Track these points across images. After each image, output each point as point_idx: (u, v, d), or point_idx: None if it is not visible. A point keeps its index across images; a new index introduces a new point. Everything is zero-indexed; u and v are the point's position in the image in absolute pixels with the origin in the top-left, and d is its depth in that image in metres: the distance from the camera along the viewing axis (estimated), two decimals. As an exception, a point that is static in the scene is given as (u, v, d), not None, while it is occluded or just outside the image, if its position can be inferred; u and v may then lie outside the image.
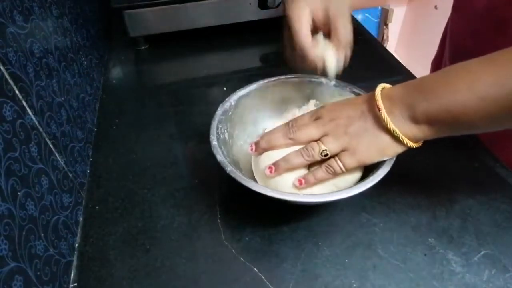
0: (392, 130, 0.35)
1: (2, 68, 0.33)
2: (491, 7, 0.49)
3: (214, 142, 0.42)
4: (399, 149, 0.37)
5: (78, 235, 0.43)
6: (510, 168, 0.49)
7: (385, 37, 1.95)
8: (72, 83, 0.51)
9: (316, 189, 0.42)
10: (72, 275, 0.39)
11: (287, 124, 0.41)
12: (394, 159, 0.39)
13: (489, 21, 0.50)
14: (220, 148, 0.41)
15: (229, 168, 0.39)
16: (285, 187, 0.42)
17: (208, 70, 0.71)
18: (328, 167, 0.38)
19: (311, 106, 0.51)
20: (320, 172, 0.39)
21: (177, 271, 0.39)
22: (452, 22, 0.61)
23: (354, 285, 0.38)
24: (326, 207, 0.45)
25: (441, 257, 0.40)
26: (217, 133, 0.43)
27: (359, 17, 1.85)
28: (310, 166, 0.44)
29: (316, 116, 0.40)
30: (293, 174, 0.42)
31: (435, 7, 1.69)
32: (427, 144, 0.53)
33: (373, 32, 1.45)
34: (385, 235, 0.42)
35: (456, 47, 0.60)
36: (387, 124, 0.34)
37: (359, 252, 0.40)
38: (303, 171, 0.43)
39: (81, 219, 0.44)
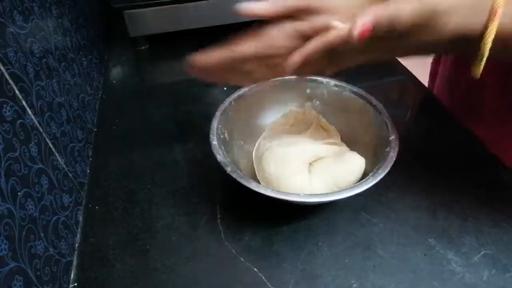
0: None
1: (2, 68, 0.33)
2: None
3: (214, 142, 0.42)
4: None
5: (78, 235, 0.43)
6: (510, 168, 0.49)
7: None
8: (72, 83, 0.51)
9: (316, 189, 0.42)
10: (72, 275, 0.39)
11: None
12: (394, 159, 0.40)
13: None
14: (220, 148, 0.41)
15: (229, 168, 0.39)
16: (286, 187, 0.42)
17: (208, 70, 0.71)
18: None
19: (310, 106, 0.51)
20: None
21: (177, 271, 0.39)
22: None
23: (354, 285, 0.38)
24: (326, 207, 0.45)
25: (441, 257, 0.40)
26: (217, 133, 0.43)
27: (359, 17, 1.85)
28: (311, 167, 0.44)
29: None
30: (295, 174, 0.43)
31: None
32: (427, 145, 0.53)
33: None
34: (385, 235, 0.42)
35: None
36: None
37: (359, 252, 0.40)
38: (305, 173, 0.43)
39: (81, 219, 0.44)
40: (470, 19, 0.30)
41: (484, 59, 0.31)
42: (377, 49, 0.33)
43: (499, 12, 0.29)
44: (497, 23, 0.29)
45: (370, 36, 0.29)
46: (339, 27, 0.32)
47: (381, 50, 0.33)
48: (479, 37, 0.30)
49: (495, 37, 0.30)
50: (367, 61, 0.35)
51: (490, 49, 0.30)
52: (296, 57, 0.33)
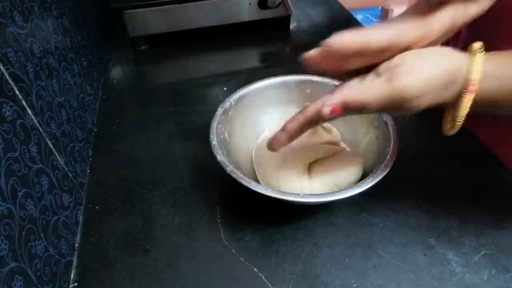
0: None
1: (2, 68, 0.33)
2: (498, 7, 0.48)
3: (214, 142, 0.42)
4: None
5: (78, 235, 0.43)
6: (510, 168, 0.49)
7: (385, 37, 1.94)
8: (72, 83, 0.51)
9: (316, 189, 0.42)
10: (72, 275, 0.39)
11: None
12: (394, 159, 0.40)
13: (494, 22, 0.49)
14: (220, 148, 0.41)
15: (229, 168, 0.39)
16: (286, 187, 0.42)
17: (208, 70, 0.71)
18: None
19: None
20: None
21: (177, 271, 0.39)
22: None
23: (354, 285, 0.38)
24: (326, 207, 0.45)
25: (441, 257, 0.40)
26: (217, 133, 0.43)
27: (359, 17, 1.85)
28: (311, 167, 0.44)
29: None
30: (295, 174, 0.42)
31: (435, 7, 1.69)
32: (427, 145, 0.53)
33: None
34: (385, 235, 0.42)
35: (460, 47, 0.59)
36: None
37: (359, 252, 0.40)
38: (305, 173, 0.43)
39: (81, 219, 0.44)
40: (443, 96, 0.30)
41: (459, 123, 0.31)
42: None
43: (473, 87, 0.29)
44: (470, 97, 0.29)
45: (340, 114, 0.31)
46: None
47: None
48: (452, 105, 0.30)
49: (474, 102, 0.29)
50: None
51: (469, 110, 0.30)
52: (282, 136, 0.36)
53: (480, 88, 0.29)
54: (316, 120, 0.34)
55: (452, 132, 0.32)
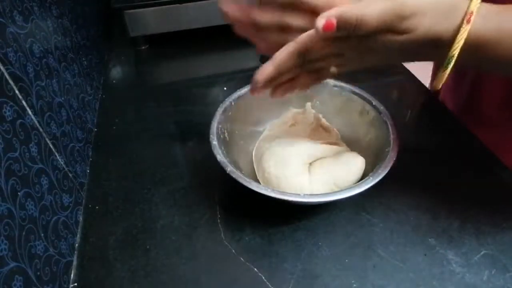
0: None
1: (2, 68, 0.33)
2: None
3: (214, 142, 0.42)
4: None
5: (78, 235, 0.43)
6: (510, 168, 0.49)
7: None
8: (72, 83, 0.51)
9: (316, 189, 0.42)
10: (72, 275, 0.39)
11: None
12: (394, 159, 0.40)
13: None
14: (220, 148, 0.41)
15: (229, 168, 0.39)
16: (286, 187, 0.42)
17: (208, 70, 0.71)
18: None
19: (310, 106, 0.51)
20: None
21: (177, 271, 0.39)
22: None
23: (354, 285, 0.38)
24: (326, 207, 0.45)
25: (441, 257, 0.40)
26: (217, 133, 0.43)
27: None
28: (311, 167, 0.44)
29: None
30: (295, 174, 0.42)
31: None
32: (427, 145, 0.53)
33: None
34: (385, 235, 0.42)
35: None
36: None
37: (359, 252, 0.40)
38: (305, 173, 0.43)
39: (81, 219, 0.44)
40: (440, 24, 0.30)
41: (450, 66, 0.31)
42: (349, 52, 0.33)
43: (472, 18, 0.29)
44: (468, 29, 0.29)
45: (336, 32, 0.29)
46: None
47: (353, 53, 0.33)
48: (448, 43, 0.30)
49: (464, 43, 0.29)
50: (344, 69, 0.35)
51: (458, 56, 0.30)
52: (268, 66, 0.33)
53: (474, 25, 0.29)
54: (307, 46, 0.32)
55: (440, 82, 0.32)
